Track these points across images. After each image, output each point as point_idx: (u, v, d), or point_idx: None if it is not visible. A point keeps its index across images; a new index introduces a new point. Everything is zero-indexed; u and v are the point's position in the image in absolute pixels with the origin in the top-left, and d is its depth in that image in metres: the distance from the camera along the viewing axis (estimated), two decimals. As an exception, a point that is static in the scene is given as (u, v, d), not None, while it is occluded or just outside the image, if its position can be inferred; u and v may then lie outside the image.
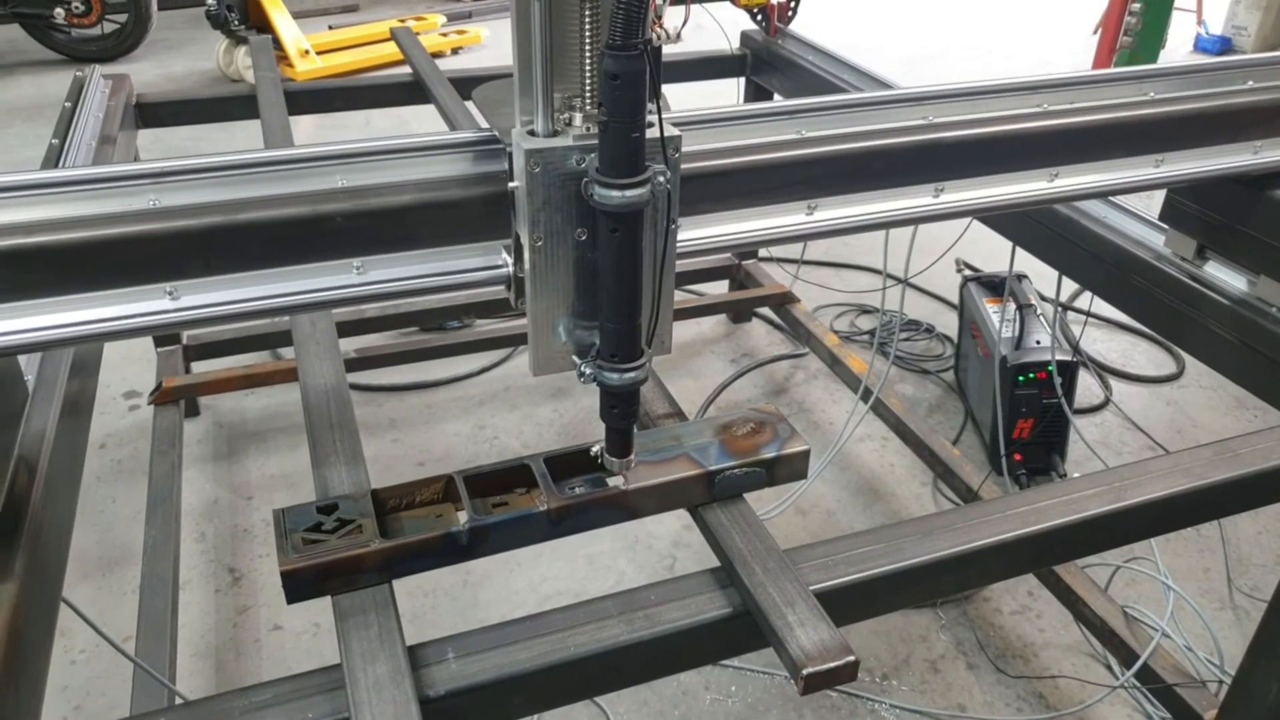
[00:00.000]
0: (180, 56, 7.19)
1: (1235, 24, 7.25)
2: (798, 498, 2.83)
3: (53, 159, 1.88)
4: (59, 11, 6.71)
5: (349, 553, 1.12)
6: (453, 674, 1.07)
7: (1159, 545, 2.69)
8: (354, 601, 1.13)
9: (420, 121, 5.29)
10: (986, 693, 2.33)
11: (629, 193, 1.01)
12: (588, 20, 1.02)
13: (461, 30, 7.50)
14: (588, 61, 1.04)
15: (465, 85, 2.55)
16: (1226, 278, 1.76)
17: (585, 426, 3.20)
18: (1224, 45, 7.20)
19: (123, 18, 6.94)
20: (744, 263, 3.67)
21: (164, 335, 2.97)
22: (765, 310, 3.80)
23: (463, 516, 1.19)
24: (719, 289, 3.81)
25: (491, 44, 7.45)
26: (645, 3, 0.92)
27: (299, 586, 1.12)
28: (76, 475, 1.41)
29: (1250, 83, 1.63)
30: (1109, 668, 2.38)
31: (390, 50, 6.57)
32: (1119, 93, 1.54)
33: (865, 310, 3.92)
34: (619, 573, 2.65)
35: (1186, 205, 1.79)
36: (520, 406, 3.31)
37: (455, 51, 7.32)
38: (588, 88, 1.06)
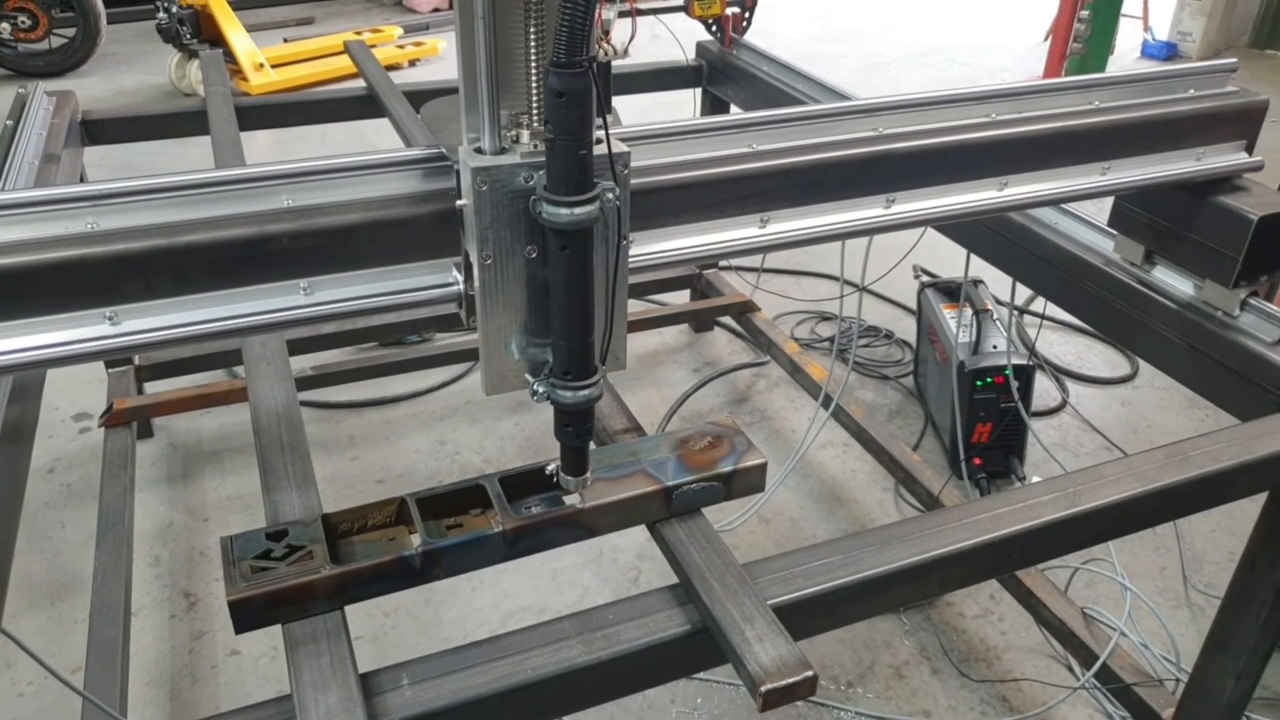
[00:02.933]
0: (131, 71, 7.07)
1: (1180, 30, 7.41)
2: (760, 507, 2.84)
3: (-8, 179, 1.83)
4: (4, 26, 6.57)
5: (299, 580, 1.10)
6: (407, 701, 1.05)
7: (1116, 546, 2.73)
8: (305, 629, 1.10)
9: (378, 135, 5.25)
10: (950, 697, 2.34)
11: (578, 210, 1.00)
12: (533, 37, 1.01)
13: (419, 42, 7.45)
14: (534, 79, 1.03)
15: (420, 98, 2.55)
16: (1174, 282, 1.79)
17: (548, 440, 3.15)
18: (1170, 51, 7.36)
19: (71, 32, 6.81)
20: (705, 272, 3.68)
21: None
22: (727, 319, 3.80)
23: (416, 540, 1.17)
24: (680, 298, 3.81)
25: (449, 55, 7.41)
26: (589, 19, 0.92)
27: (248, 616, 1.09)
28: (17, 503, 1.37)
29: (1192, 90, 1.66)
30: (1070, 669, 2.41)
31: (347, 63, 6.51)
32: (1065, 102, 1.57)
33: (825, 317, 3.94)
34: (583, 587, 2.63)
35: (1134, 211, 1.82)
36: (481, 421, 3.28)
37: (413, 63, 7.27)
38: (535, 105, 1.05)
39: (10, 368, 1.02)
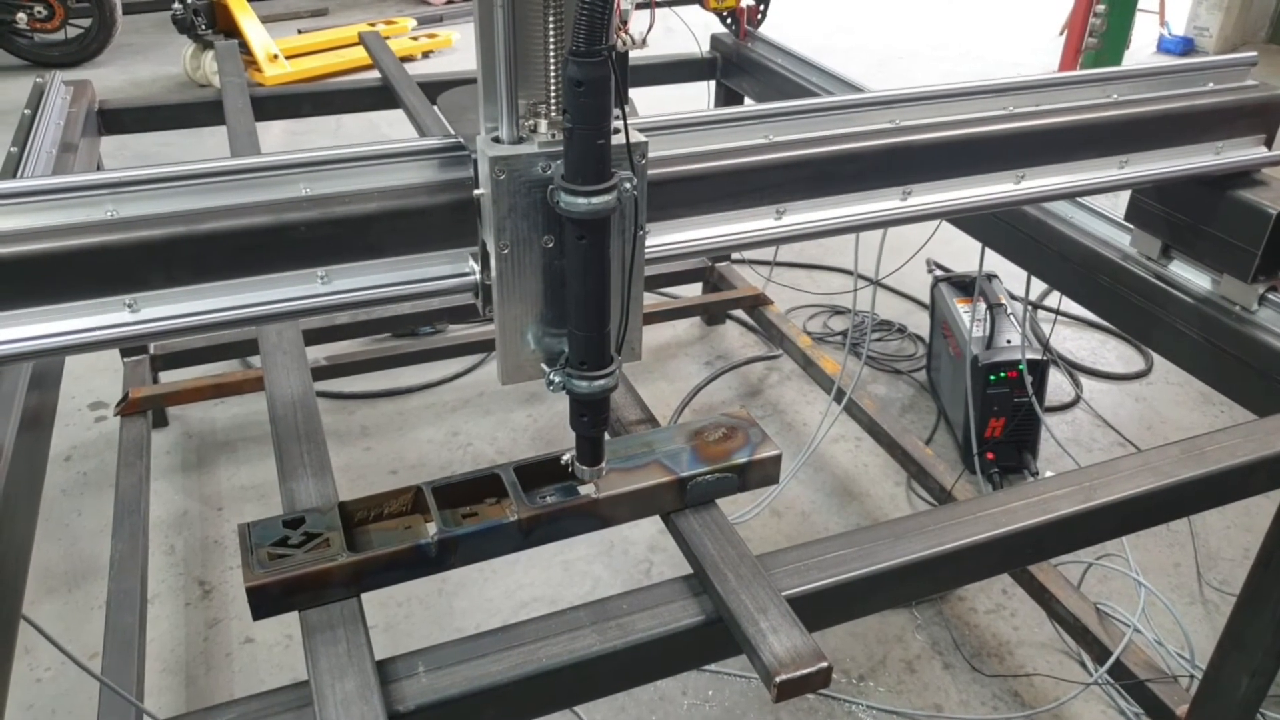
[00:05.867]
0: (146, 61, 7.10)
1: (1197, 25, 7.35)
2: (773, 500, 2.84)
3: (11, 168, 1.84)
4: (21, 16, 6.61)
5: (316, 567, 1.10)
6: (423, 688, 1.06)
7: (1130, 542, 2.71)
8: (322, 616, 1.11)
9: (391, 126, 5.26)
10: (962, 692, 2.34)
11: (595, 200, 1.00)
12: (551, 26, 1.01)
13: (432, 34, 7.45)
14: (552, 68, 1.03)
15: (434, 89, 2.54)
16: (1191, 277, 1.78)
17: (560, 431, 3.18)
18: (1186, 46, 7.31)
19: (86, 22, 6.84)
20: (717, 265, 3.68)
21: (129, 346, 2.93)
22: (739, 312, 3.80)
23: (432, 528, 1.18)
24: (693, 291, 3.81)
25: (462, 47, 7.41)
26: (609, 8, 0.92)
27: (265, 602, 1.10)
28: (36, 490, 1.38)
29: (1211, 84, 1.65)
30: (1083, 664, 2.40)
31: (361, 54, 6.52)
32: (1083, 95, 1.56)
33: (837, 311, 3.93)
34: (595, 578, 2.63)
35: (1151, 205, 1.81)
36: (494, 412, 3.29)
37: (426, 55, 7.28)
38: (553, 94, 1.05)
39: (33, 354, 1.03)
